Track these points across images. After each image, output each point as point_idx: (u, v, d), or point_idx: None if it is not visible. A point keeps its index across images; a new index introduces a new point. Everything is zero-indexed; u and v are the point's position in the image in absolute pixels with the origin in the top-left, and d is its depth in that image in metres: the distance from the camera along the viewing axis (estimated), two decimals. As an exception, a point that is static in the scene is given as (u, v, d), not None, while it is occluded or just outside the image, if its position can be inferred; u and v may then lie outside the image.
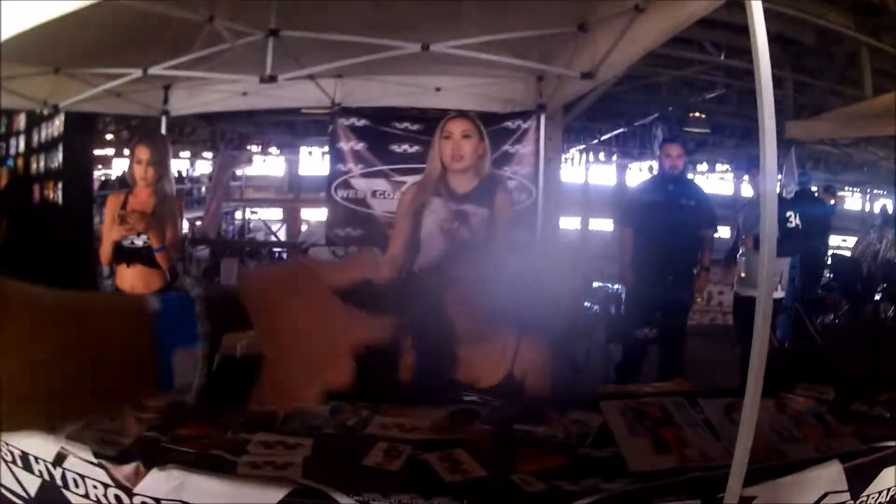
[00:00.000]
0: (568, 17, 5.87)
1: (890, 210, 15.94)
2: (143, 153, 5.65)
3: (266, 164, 29.01)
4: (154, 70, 6.85)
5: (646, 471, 2.83)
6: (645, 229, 7.33)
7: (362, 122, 8.76)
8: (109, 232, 5.63)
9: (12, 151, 10.76)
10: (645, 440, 3.09)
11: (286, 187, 27.86)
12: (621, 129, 22.12)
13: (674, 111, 19.42)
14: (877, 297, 12.28)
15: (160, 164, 5.72)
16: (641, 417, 3.31)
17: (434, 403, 3.41)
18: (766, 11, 2.49)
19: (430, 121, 8.42)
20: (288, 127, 24.72)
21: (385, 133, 8.63)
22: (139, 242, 5.56)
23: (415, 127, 8.64)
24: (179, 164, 27.23)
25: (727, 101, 18.69)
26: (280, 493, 2.55)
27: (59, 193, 10.30)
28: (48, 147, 10.25)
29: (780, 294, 7.55)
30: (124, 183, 5.82)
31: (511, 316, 3.77)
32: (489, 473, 2.76)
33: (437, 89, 8.26)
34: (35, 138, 10.46)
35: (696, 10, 4.54)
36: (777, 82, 15.93)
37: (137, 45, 6.36)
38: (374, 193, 8.75)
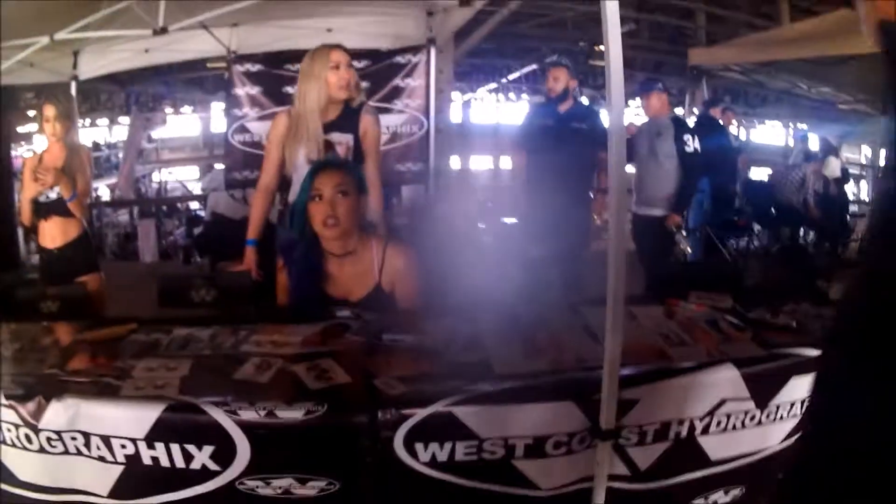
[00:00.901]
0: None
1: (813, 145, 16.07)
2: (49, 110, 5.79)
3: (180, 125, 28.72)
4: (59, 35, 7.04)
5: (511, 373, 2.86)
6: (536, 151, 7.42)
7: (256, 67, 8.79)
8: (26, 190, 5.83)
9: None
10: (516, 345, 3.14)
11: (201, 145, 27.66)
12: (530, 67, 22.11)
13: (581, 47, 19.41)
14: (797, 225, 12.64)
15: (66, 118, 5.86)
16: (515, 324, 3.39)
17: (309, 320, 3.49)
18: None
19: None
20: (197, 84, 24.49)
21: (278, 76, 8.64)
22: (53, 196, 5.75)
23: (306, 68, 8.69)
24: (97, 133, 27.00)
25: (638, 35, 18.71)
26: (157, 410, 2.63)
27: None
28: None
29: (662, 212, 7.66)
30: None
31: (374, 228, 3.96)
32: (353, 380, 2.85)
33: (329, 30, 8.22)
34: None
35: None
36: (688, 14, 16.06)
37: (47, 18, 6.58)
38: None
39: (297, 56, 8.63)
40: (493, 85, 24.71)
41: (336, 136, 4.76)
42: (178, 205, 18.11)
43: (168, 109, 27.59)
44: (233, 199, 9.70)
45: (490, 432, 2.68)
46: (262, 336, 3.32)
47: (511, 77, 23.53)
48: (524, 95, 25.68)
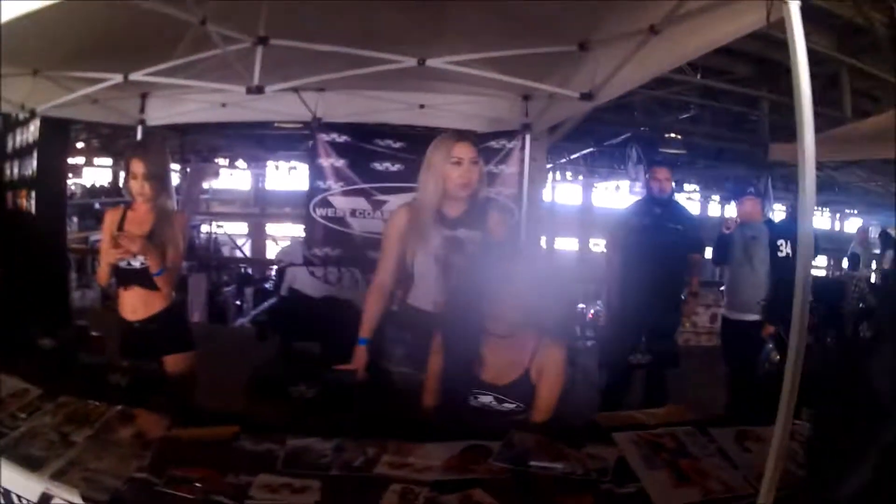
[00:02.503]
0: (570, 35, 5.65)
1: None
2: (138, 167, 5.06)
3: (232, 178, 28.94)
4: (135, 76, 6.49)
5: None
6: (632, 252, 7.29)
7: (343, 139, 8.62)
8: (106, 254, 5.13)
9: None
10: (665, 473, 3.06)
11: (252, 201, 27.83)
12: (590, 149, 22.12)
13: (647, 131, 19.38)
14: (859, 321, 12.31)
15: (157, 179, 5.12)
16: (657, 449, 3.28)
17: (443, 436, 3.35)
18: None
19: (413, 138, 8.32)
20: (257, 140, 24.55)
21: (366, 150, 8.49)
22: (136, 264, 5.03)
23: (397, 144, 8.55)
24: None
25: (700, 121, 18.73)
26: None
27: (32, 202, 10.10)
28: (23, 153, 10.04)
29: (755, 317, 7.48)
30: (117, 192, 5.39)
31: (536, 317, 3.74)
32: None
33: (421, 106, 8.11)
34: (10, 143, 10.27)
35: (719, 35, 4.37)
36: (753, 102, 16.10)
37: (116, 49, 5.96)
38: (353, 212, 8.62)
39: (386, 131, 8.55)
40: (549, 164, 24.79)
41: (463, 233, 4.50)
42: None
43: (222, 161, 27.73)
44: (313, 277, 9.39)
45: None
46: (396, 457, 3.14)
47: (572, 157, 23.57)
48: (580, 176, 25.86)
